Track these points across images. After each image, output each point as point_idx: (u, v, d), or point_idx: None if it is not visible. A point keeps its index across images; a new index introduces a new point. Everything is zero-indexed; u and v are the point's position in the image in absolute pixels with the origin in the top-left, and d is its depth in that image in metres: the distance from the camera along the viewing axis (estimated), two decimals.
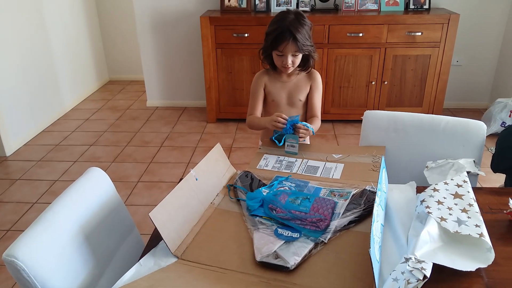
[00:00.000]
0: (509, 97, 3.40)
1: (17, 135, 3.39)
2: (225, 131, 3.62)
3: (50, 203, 1.08)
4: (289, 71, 1.69)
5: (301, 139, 1.56)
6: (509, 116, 3.21)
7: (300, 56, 1.64)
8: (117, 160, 3.17)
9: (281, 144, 1.57)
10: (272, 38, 1.60)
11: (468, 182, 1.19)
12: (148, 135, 3.59)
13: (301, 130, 1.53)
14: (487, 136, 3.23)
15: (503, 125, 3.21)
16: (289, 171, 1.41)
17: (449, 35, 3.32)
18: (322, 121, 3.67)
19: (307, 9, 3.54)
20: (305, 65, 1.71)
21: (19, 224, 2.44)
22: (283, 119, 1.55)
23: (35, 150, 3.35)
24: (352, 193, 1.24)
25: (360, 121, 1.67)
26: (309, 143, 1.89)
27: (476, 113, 3.82)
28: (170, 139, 3.52)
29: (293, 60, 1.63)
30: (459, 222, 1.02)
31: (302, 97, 1.76)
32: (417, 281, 0.87)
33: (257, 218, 1.15)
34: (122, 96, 4.62)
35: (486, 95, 3.97)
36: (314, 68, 1.78)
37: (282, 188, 1.27)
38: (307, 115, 1.80)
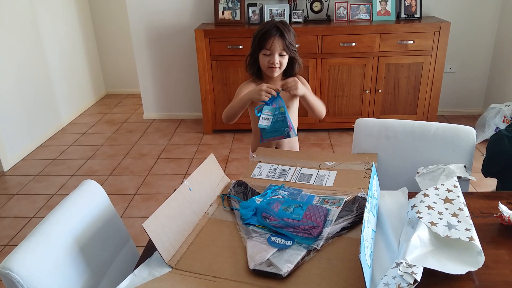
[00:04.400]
0: (502, 102, 3.43)
1: (15, 150, 3.40)
2: (221, 142, 3.64)
3: None
4: (276, 74, 1.70)
5: (292, 90, 1.57)
6: (503, 121, 3.23)
7: (286, 57, 1.67)
8: (115, 173, 3.18)
9: (259, 114, 1.59)
10: (259, 37, 1.64)
11: (458, 187, 1.20)
12: (145, 148, 3.61)
13: (287, 85, 1.55)
14: (481, 142, 3.28)
15: (497, 131, 3.24)
16: (282, 180, 1.43)
17: (440, 42, 3.36)
18: (318, 130, 3.71)
19: (300, 20, 3.59)
20: (291, 72, 1.74)
21: (17, 238, 2.44)
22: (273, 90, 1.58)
23: (33, 165, 3.36)
24: (344, 200, 1.25)
25: None
26: (298, 150, 1.91)
27: (470, 119, 3.86)
28: (167, 151, 3.53)
29: (280, 60, 1.65)
30: (449, 226, 1.04)
31: (290, 104, 1.78)
32: (407, 286, 0.88)
33: (251, 226, 1.16)
34: (119, 110, 4.64)
35: (479, 101, 4.01)
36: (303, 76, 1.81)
37: (275, 197, 1.29)
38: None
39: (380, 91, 3.54)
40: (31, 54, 3.68)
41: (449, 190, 1.18)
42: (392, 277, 0.91)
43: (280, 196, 1.29)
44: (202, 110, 3.72)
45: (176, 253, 1.06)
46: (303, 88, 1.62)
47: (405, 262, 0.93)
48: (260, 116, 1.58)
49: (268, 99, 1.57)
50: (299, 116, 1.87)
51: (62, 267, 1.02)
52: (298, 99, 1.80)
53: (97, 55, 4.98)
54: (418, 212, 1.08)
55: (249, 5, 3.66)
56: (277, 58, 1.64)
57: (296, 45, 1.70)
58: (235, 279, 0.98)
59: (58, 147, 3.69)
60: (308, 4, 3.64)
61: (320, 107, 1.72)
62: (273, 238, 1.10)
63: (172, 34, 3.91)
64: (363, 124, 1.65)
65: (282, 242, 1.08)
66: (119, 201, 2.78)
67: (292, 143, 1.87)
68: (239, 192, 1.33)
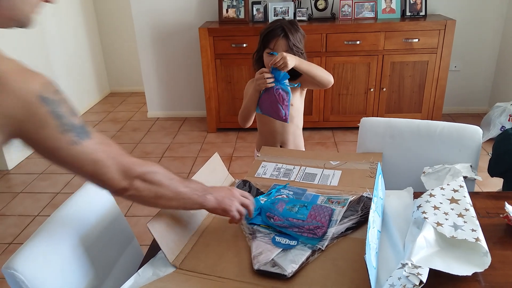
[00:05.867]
0: (508, 101, 3.41)
1: (19, 148, 3.41)
2: (225, 141, 3.64)
3: None
4: None
5: (283, 67, 1.53)
6: (508, 120, 3.21)
7: None
8: None
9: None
10: (264, 35, 1.63)
11: (465, 187, 1.19)
12: (149, 146, 3.61)
13: (277, 64, 1.52)
14: (487, 141, 3.26)
15: (502, 129, 3.22)
16: (287, 179, 1.42)
17: (446, 41, 3.34)
18: (322, 128, 3.69)
19: (305, 18, 3.57)
20: (296, 73, 1.69)
21: (21, 237, 2.45)
22: (266, 73, 1.56)
23: (37, 163, 3.37)
24: (349, 200, 1.25)
25: None
26: (304, 149, 1.90)
27: (476, 118, 3.83)
28: (171, 149, 3.53)
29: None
30: (455, 227, 1.03)
31: (294, 101, 1.76)
32: (413, 287, 0.87)
33: (255, 226, 1.15)
34: (123, 108, 4.65)
35: (485, 100, 3.98)
36: None
37: (279, 196, 1.28)
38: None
39: (384, 89, 3.52)
40: (35, 53, 3.69)
41: (455, 190, 1.17)
42: (398, 278, 0.90)
43: (284, 196, 1.29)
44: (206, 109, 3.72)
45: (180, 253, 1.06)
46: (292, 58, 1.54)
47: (411, 263, 0.92)
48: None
49: (269, 84, 1.57)
50: (304, 114, 1.87)
51: (67, 267, 1.02)
52: (302, 96, 1.79)
53: (101, 53, 4.99)
54: (423, 212, 1.08)
55: (253, 3, 3.65)
56: None
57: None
58: (239, 279, 0.98)
59: None
60: (313, 2, 3.62)
61: (320, 72, 1.62)
62: (277, 238, 1.09)
63: (176, 33, 3.91)
64: (368, 123, 1.64)
65: (286, 242, 1.08)
66: (123, 199, 2.77)
67: (297, 141, 1.86)
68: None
